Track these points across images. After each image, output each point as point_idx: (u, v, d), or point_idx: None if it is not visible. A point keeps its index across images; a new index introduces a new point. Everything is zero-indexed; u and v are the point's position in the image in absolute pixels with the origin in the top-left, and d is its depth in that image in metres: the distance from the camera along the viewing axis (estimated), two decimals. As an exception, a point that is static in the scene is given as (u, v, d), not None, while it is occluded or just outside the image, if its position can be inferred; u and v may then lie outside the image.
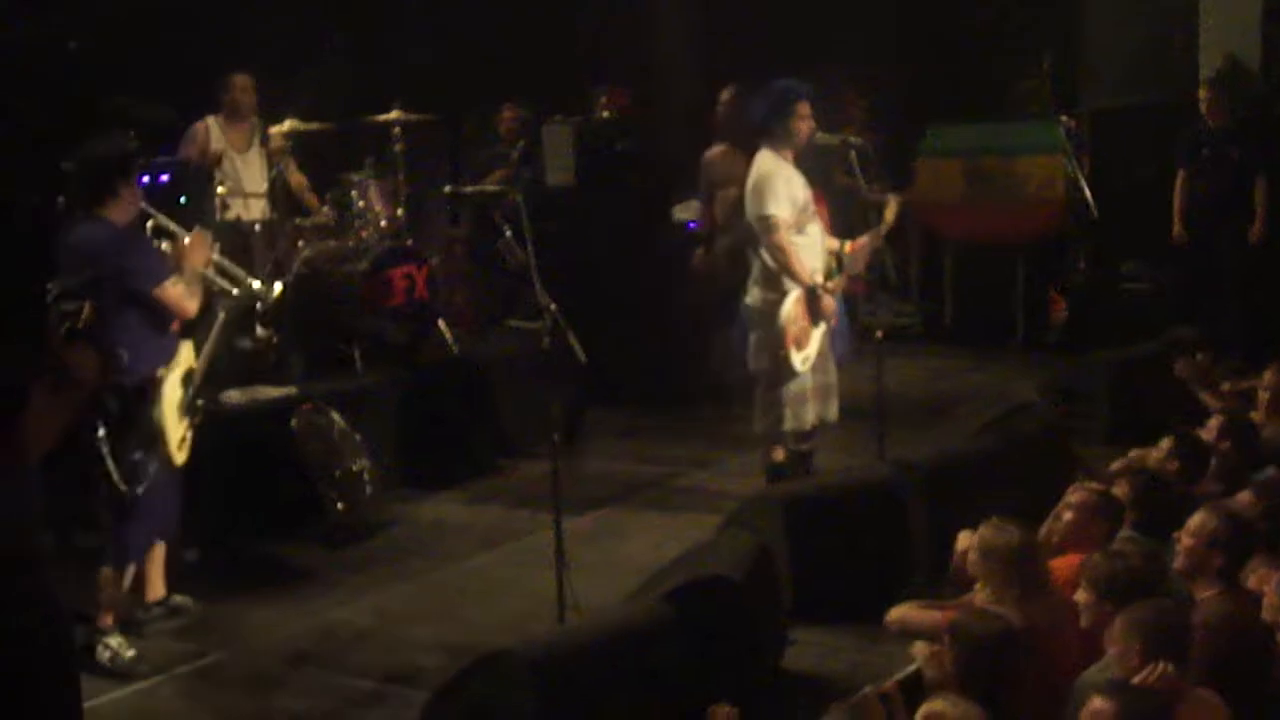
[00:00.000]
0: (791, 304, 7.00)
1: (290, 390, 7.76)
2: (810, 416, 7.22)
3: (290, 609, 6.52)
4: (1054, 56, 11.67)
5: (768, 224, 7.00)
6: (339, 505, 7.29)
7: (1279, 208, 9.68)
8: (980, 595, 4.93)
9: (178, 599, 6.38)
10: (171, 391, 5.91)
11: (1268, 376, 7.07)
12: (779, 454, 7.30)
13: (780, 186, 7.05)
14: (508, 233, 9.45)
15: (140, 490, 5.81)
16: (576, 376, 8.16)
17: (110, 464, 5.72)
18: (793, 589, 5.96)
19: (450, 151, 10.26)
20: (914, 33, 11.49)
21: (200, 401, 6.09)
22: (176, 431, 5.95)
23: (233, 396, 7.55)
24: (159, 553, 6.28)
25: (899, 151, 11.05)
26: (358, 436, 7.52)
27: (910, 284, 11.74)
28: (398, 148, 9.07)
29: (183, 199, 7.60)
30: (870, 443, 7.29)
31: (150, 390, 5.81)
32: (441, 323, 8.82)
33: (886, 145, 10.67)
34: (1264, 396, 7.05)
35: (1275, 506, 5.31)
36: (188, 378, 6.03)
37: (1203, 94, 9.96)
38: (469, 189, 9.94)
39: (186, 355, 6.04)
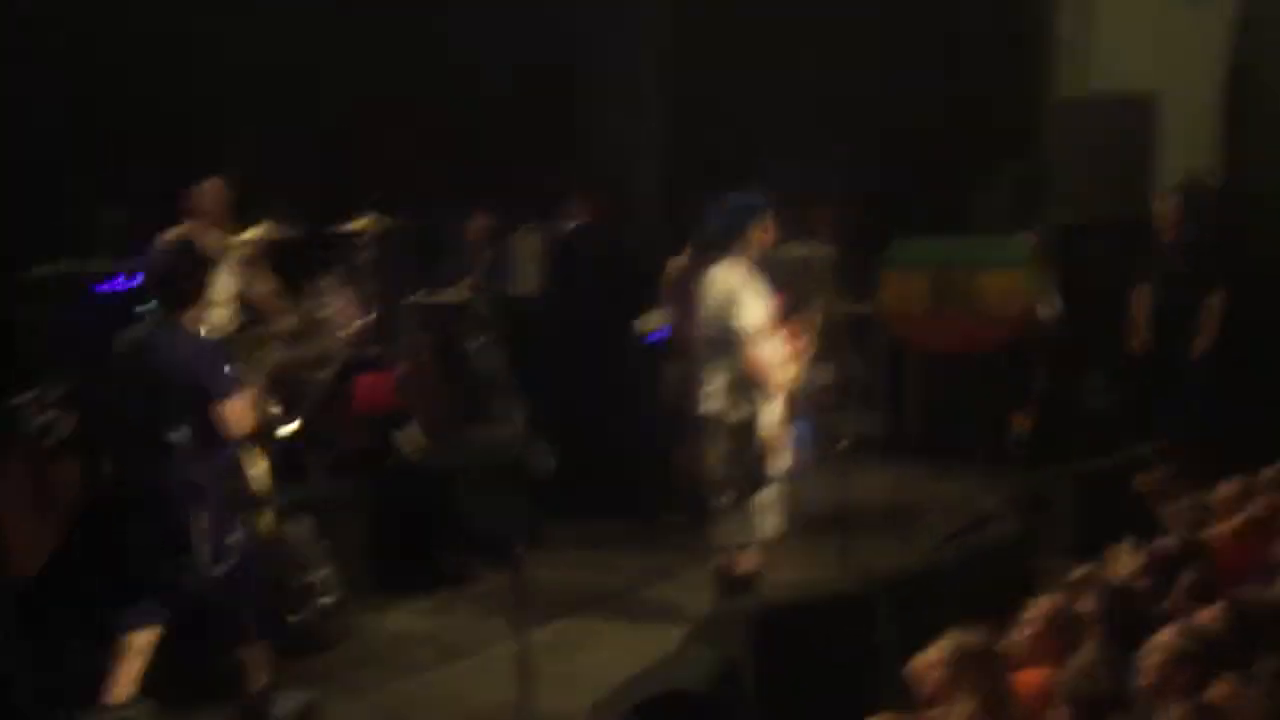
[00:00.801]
0: (770, 413, 7.07)
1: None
2: (775, 523, 7.24)
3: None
4: (1017, 171, 11.82)
5: (742, 335, 7.04)
6: (289, 618, 7.20)
7: (1234, 321, 9.79)
8: (952, 709, 4.90)
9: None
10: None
11: (1221, 490, 7.11)
12: (748, 563, 7.28)
13: (749, 297, 7.12)
14: (476, 341, 9.46)
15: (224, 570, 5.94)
16: (542, 485, 8.14)
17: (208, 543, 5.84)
18: (759, 704, 5.91)
19: (419, 259, 10.28)
20: (880, 144, 11.62)
21: None
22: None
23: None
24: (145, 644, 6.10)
25: (865, 263, 11.15)
26: (319, 545, 7.47)
27: (874, 394, 11.78)
28: (365, 255, 9.09)
29: (148, 304, 7.57)
30: (832, 553, 7.28)
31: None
32: (408, 430, 8.80)
33: (853, 256, 10.78)
34: (1221, 510, 7.08)
35: (1241, 624, 5.30)
36: None
37: (1158, 208, 10.11)
38: (436, 298, 9.96)
39: None
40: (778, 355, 7.21)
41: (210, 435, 5.94)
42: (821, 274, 7.70)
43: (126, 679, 6.02)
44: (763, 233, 7.21)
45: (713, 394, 7.20)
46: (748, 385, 7.09)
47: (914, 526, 9.01)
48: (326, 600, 7.33)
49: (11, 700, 3.42)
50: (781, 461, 7.20)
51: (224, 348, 6.31)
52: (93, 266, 7.56)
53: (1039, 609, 5.45)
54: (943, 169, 11.56)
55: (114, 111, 8.78)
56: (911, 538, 8.67)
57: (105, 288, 7.47)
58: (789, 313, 7.42)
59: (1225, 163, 10.94)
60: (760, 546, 7.27)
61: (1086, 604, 5.51)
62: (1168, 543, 6.48)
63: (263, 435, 6.35)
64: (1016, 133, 11.91)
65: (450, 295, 9.79)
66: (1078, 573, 6.25)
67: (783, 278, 7.48)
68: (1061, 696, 4.62)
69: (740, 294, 7.10)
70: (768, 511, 7.19)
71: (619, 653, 7.03)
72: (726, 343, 7.09)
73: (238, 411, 5.96)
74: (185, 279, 6.04)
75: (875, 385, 11.65)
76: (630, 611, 7.90)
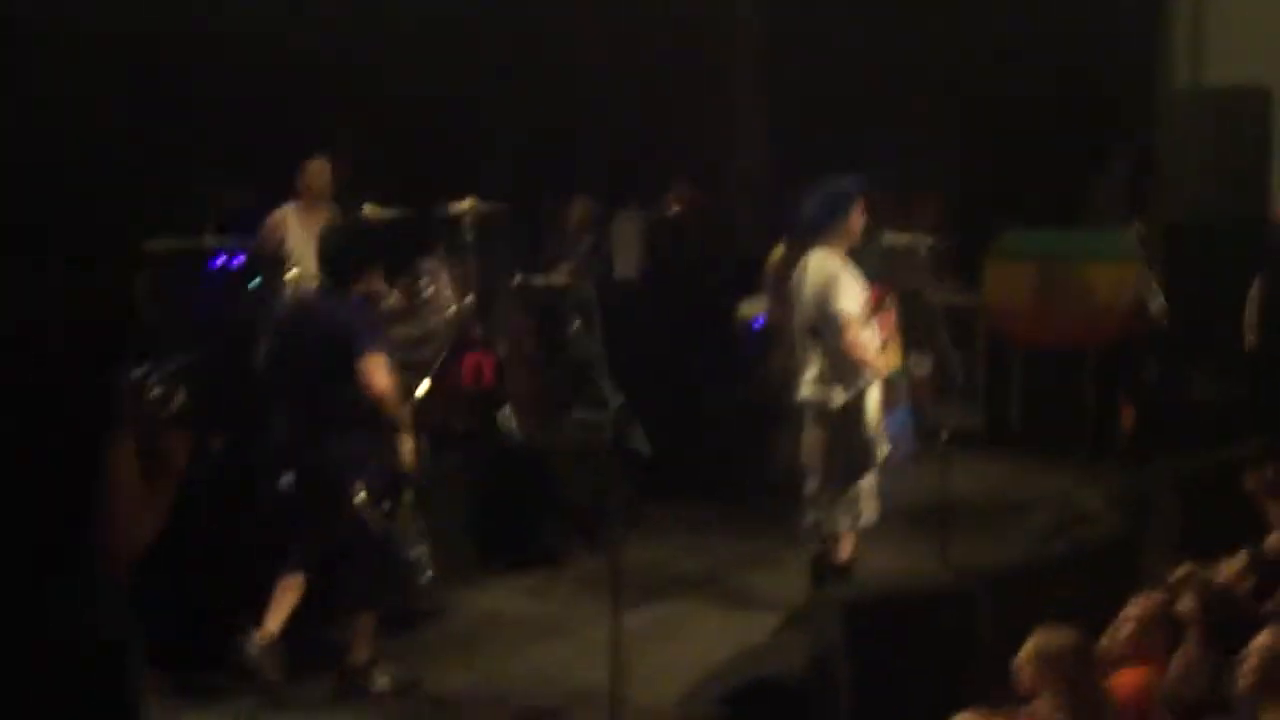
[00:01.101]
0: (872, 401, 7.10)
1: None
2: (871, 512, 7.24)
3: (340, 695, 6.49)
4: (1130, 164, 11.66)
5: (845, 320, 7.03)
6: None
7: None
8: (1039, 705, 4.86)
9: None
10: None
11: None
12: (845, 551, 7.26)
13: (848, 282, 7.12)
14: (576, 324, 9.50)
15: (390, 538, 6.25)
16: (640, 469, 8.15)
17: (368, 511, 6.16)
18: (852, 696, 5.89)
19: (521, 241, 10.34)
20: (988, 134, 11.51)
21: None
22: None
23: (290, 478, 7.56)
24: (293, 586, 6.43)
25: (970, 253, 11.05)
26: (418, 523, 7.52)
27: (977, 387, 11.67)
28: (469, 237, 9.16)
29: (255, 281, 7.70)
30: (932, 547, 7.23)
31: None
32: (507, 411, 8.85)
33: (958, 246, 10.69)
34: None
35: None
36: None
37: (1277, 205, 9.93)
38: (538, 280, 10.00)
39: None
40: (874, 341, 7.19)
41: (365, 404, 6.17)
42: (924, 264, 7.63)
43: (275, 618, 6.34)
44: (857, 219, 7.20)
45: (810, 380, 7.19)
46: (846, 371, 7.08)
47: (1013, 522, 8.91)
48: (424, 577, 7.38)
49: (126, 667, 3.49)
50: (880, 449, 7.18)
51: (378, 313, 6.65)
52: (204, 243, 7.67)
53: (1137, 608, 5.39)
54: (1055, 160, 11.43)
55: (215, 94, 8.90)
56: (1012, 533, 8.58)
57: (216, 264, 7.59)
58: (881, 302, 7.41)
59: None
60: (857, 535, 7.24)
61: (1186, 604, 5.43)
62: (1273, 543, 6.37)
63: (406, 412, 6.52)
64: (1130, 125, 11.75)
65: (551, 279, 9.82)
66: (1179, 572, 6.16)
67: (884, 267, 7.45)
68: (1161, 700, 4.56)
69: (838, 279, 7.09)
70: (865, 499, 7.18)
71: (713, 639, 7.02)
72: (825, 328, 7.08)
73: (382, 368, 6.17)
74: (353, 256, 6.42)
75: (977, 378, 11.54)
76: (725, 597, 7.89)
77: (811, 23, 11.40)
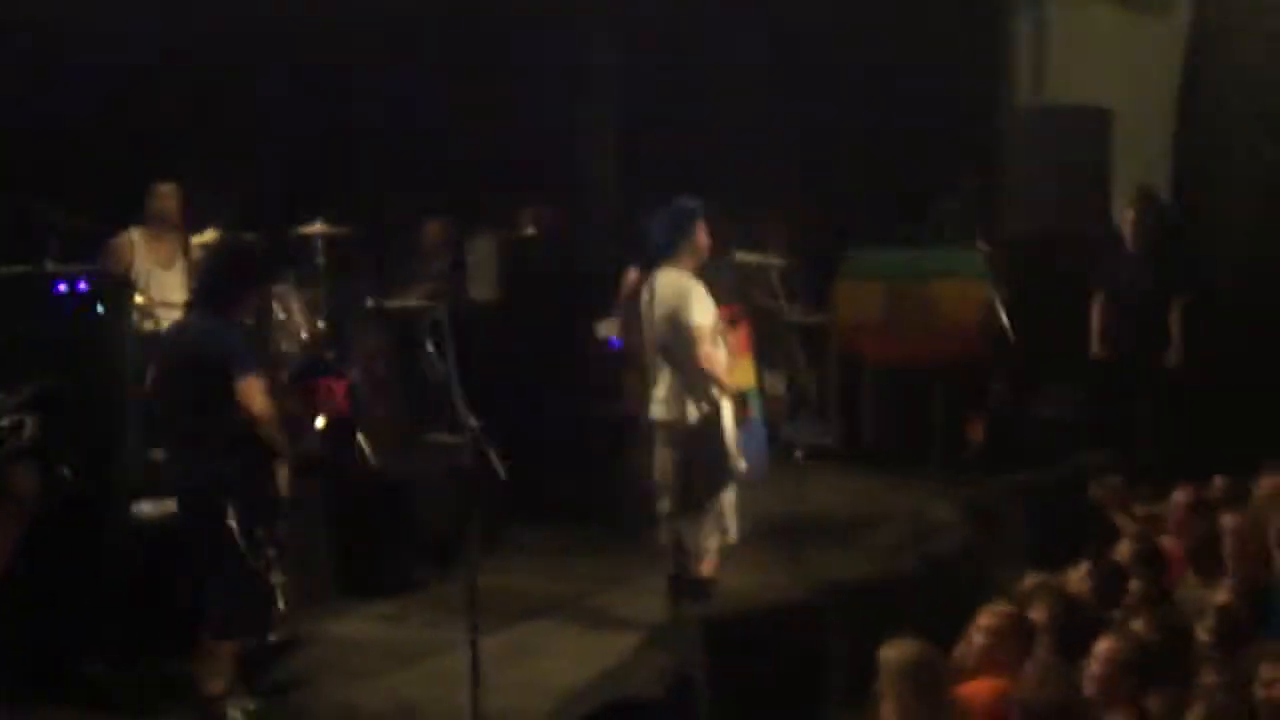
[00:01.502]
0: (726, 418, 7.18)
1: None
2: (730, 528, 7.28)
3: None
4: (973, 182, 11.87)
5: (697, 334, 7.10)
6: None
7: (1193, 333, 9.86)
8: (885, 716, 4.91)
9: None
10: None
11: (1177, 498, 7.16)
12: (709, 568, 7.29)
13: (699, 298, 7.20)
14: (430, 347, 9.41)
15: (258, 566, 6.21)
16: (496, 492, 8.10)
17: (241, 538, 6.13)
18: (711, 712, 5.92)
19: (373, 265, 10.25)
20: (835, 155, 11.64)
21: None
22: None
23: (145, 509, 7.43)
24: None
25: (820, 273, 11.16)
26: (271, 552, 7.41)
27: (829, 404, 11.80)
28: (320, 260, 9.07)
29: (100, 308, 7.52)
30: (785, 562, 7.30)
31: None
32: (361, 436, 8.76)
33: (807, 266, 10.79)
34: (1173, 518, 7.14)
35: (1169, 634, 5.32)
36: None
37: (1127, 216, 10.18)
38: (391, 303, 9.91)
39: None
40: (724, 359, 7.25)
41: (240, 428, 6.18)
42: (772, 283, 7.72)
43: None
44: (703, 236, 7.29)
45: (662, 399, 7.23)
46: (698, 389, 7.12)
47: (867, 537, 9.01)
48: (279, 606, 7.28)
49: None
50: (735, 466, 7.22)
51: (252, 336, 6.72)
52: (43, 269, 7.49)
53: (989, 618, 5.48)
54: (899, 180, 11.59)
55: (76, 117, 8.73)
56: (864, 548, 8.68)
57: (59, 289, 7.40)
58: (734, 320, 7.50)
59: (1176, 175, 11.02)
60: (717, 552, 7.27)
61: (1037, 613, 5.54)
62: (1118, 551, 6.53)
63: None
64: (973, 144, 11.96)
65: (404, 301, 9.75)
66: (1029, 582, 6.29)
67: (732, 286, 7.54)
68: (1015, 708, 4.64)
69: (688, 295, 7.17)
70: (727, 516, 7.22)
71: (572, 660, 7.02)
72: (676, 345, 7.13)
73: (259, 391, 6.17)
74: (226, 281, 6.46)
75: (829, 396, 11.67)
76: (584, 618, 7.88)
77: (663, 47, 11.47)
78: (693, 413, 7.15)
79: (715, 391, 7.15)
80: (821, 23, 11.61)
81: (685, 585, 7.26)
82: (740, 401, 7.40)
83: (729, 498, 7.24)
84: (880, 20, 11.53)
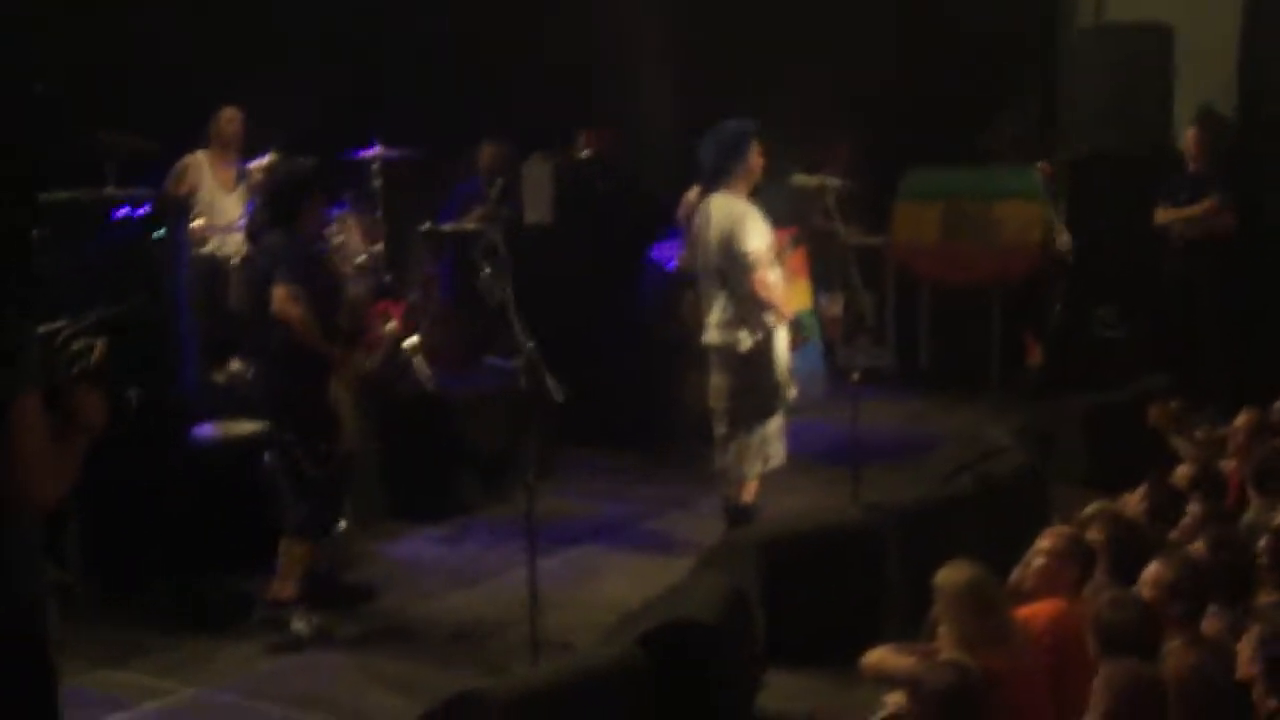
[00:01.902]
0: (780, 343, 7.12)
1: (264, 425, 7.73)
2: (778, 453, 7.27)
3: (259, 646, 6.48)
4: (1032, 103, 11.74)
5: (751, 259, 7.01)
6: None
7: (1250, 251, 9.77)
8: (943, 640, 4.91)
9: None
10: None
11: (1239, 421, 7.10)
12: (750, 493, 7.29)
13: (753, 223, 7.10)
14: (486, 270, 9.42)
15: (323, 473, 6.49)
16: (552, 415, 8.15)
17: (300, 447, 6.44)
18: (767, 632, 5.95)
19: (429, 188, 10.25)
20: (894, 77, 11.54)
21: None
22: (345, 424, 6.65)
23: (206, 430, 7.52)
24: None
25: (878, 195, 11.10)
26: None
27: (886, 327, 11.76)
28: (377, 184, 9.09)
29: (160, 231, 7.58)
30: (844, 486, 7.30)
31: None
32: (418, 359, 8.81)
33: (866, 188, 10.72)
34: (1234, 442, 7.09)
35: (1228, 554, 5.29)
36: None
37: (1189, 136, 10.05)
38: (447, 226, 9.92)
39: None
40: (780, 283, 7.20)
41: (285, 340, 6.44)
42: (829, 205, 7.65)
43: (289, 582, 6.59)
44: (756, 159, 7.19)
45: (716, 324, 7.18)
46: (752, 314, 7.07)
47: (923, 459, 9.01)
48: (339, 525, 7.37)
49: (42, 621, 3.47)
50: (787, 392, 7.21)
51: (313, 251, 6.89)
52: (104, 193, 7.54)
53: (1048, 541, 5.45)
54: (959, 100, 11.49)
55: (127, 44, 8.75)
56: (921, 470, 8.68)
57: (119, 214, 7.46)
58: (797, 241, 7.43)
59: (1240, 94, 10.85)
60: (758, 478, 7.27)
61: (1094, 534, 5.51)
62: (1176, 475, 6.49)
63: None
64: (1034, 63, 11.83)
65: (460, 224, 9.76)
66: (1089, 509, 6.26)
67: (792, 208, 7.47)
68: (1089, 626, 4.63)
69: (743, 220, 7.08)
70: (771, 443, 7.20)
71: (629, 580, 7.06)
72: (731, 271, 7.07)
73: (286, 297, 6.35)
74: (285, 199, 6.68)
75: (886, 318, 11.63)
76: (640, 540, 7.93)
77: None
78: (745, 339, 7.11)
79: (769, 318, 7.10)
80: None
81: (735, 509, 7.27)
82: (796, 327, 7.35)
83: (775, 424, 7.19)
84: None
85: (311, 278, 6.53)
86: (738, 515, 7.24)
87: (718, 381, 7.23)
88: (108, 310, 3.69)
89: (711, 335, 7.21)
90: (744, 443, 7.17)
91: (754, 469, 7.20)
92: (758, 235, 7.06)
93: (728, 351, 7.16)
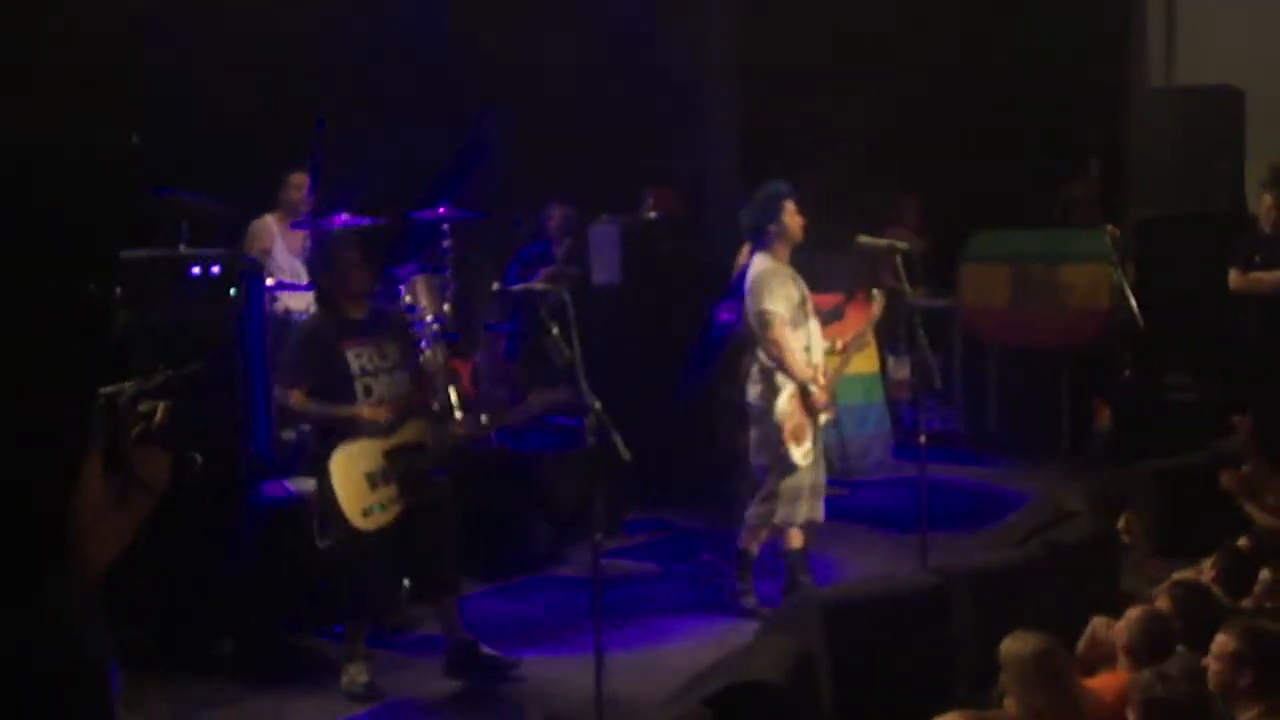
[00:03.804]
0: (786, 399, 7.27)
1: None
2: (803, 512, 7.40)
3: (330, 701, 6.49)
4: (1101, 165, 11.70)
5: (764, 319, 7.26)
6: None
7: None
8: (1011, 709, 4.86)
9: None
10: (352, 462, 6.40)
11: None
12: (754, 546, 7.49)
13: (776, 284, 7.33)
14: (553, 330, 9.46)
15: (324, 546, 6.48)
16: (620, 474, 8.15)
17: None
18: (834, 696, 5.90)
19: (498, 248, 10.33)
20: (966, 138, 11.54)
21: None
22: (358, 501, 6.39)
23: (272, 489, 7.56)
24: None
25: (946, 256, 11.07)
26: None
27: (953, 389, 11.70)
28: (446, 244, 9.16)
29: (232, 291, 7.66)
30: (912, 549, 7.25)
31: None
32: (485, 417, 8.83)
33: (936, 249, 10.71)
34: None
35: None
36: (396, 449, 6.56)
37: (1266, 199, 9.98)
38: (516, 286, 9.98)
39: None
40: (801, 343, 7.35)
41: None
42: (897, 266, 7.69)
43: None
44: (792, 220, 7.38)
45: (749, 381, 7.42)
46: (769, 372, 7.30)
47: (992, 523, 8.94)
48: (407, 583, 7.39)
49: (104, 681, 3.48)
50: (810, 446, 7.30)
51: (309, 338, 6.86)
52: (178, 252, 7.64)
53: (1133, 611, 5.38)
54: (1028, 162, 11.47)
55: (201, 111, 8.90)
56: (990, 534, 8.61)
57: (193, 272, 7.55)
58: (855, 301, 7.58)
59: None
60: (757, 529, 7.45)
61: (1164, 604, 5.45)
62: (1247, 540, 6.41)
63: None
64: (1102, 126, 11.79)
65: (527, 285, 9.81)
66: (1168, 581, 6.18)
67: (862, 268, 7.60)
68: (1133, 697, 4.57)
69: (765, 280, 7.32)
70: (775, 499, 7.32)
71: (694, 643, 7.03)
72: (754, 330, 7.31)
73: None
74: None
75: (954, 380, 11.58)
76: (706, 601, 7.89)
77: (783, 28, 11.41)
78: (754, 395, 7.35)
79: (780, 378, 7.24)
80: (952, 4, 11.51)
81: (745, 559, 7.51)
82: (827, 392, 7.41)
83: (788, 483, 7.29)
84: (1013, 2, 11.41)
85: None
86: (737, 559, 7.48)
87: (745, 436, 7.43)
88: (176, 371, 3.72)
89: (748, 392, 7.39)
90: (762, 495, 7.36)
91: (754, 519, 7.40)
92: (775, 295, 7.29)
93: (753, 407, 7.40)
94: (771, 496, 7.34)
